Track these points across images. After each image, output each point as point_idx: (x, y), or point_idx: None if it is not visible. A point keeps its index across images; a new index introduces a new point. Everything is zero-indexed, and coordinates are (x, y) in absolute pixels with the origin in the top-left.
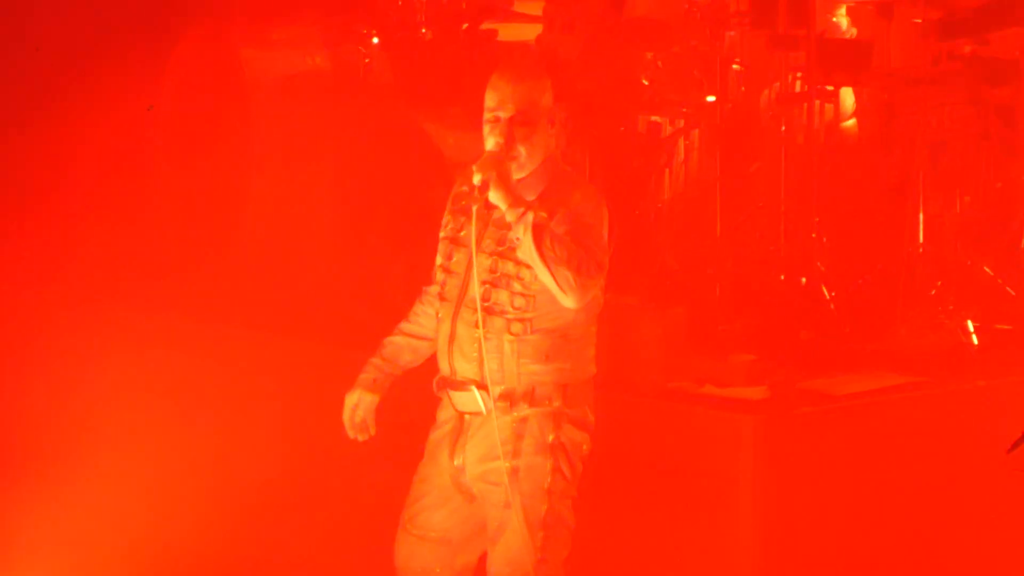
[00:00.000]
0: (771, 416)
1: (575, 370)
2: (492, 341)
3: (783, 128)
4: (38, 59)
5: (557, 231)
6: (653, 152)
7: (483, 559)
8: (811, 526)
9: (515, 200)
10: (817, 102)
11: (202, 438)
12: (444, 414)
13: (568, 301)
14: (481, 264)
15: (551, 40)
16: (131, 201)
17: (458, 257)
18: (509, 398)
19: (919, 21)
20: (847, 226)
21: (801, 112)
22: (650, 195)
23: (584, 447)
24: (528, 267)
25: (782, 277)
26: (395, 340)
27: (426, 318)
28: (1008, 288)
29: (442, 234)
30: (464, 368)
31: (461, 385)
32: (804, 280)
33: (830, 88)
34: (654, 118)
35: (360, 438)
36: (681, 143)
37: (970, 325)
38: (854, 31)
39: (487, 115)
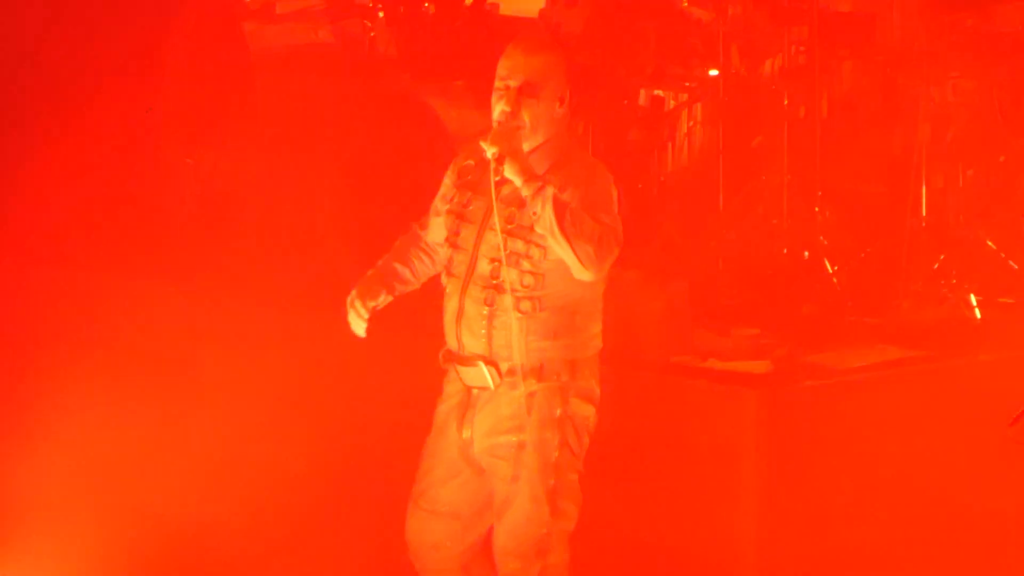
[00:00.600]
0: (774, 390)
1: (583, 346)
2: (500, 318)
3: (786, 102)
4: (38, 54)
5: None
6: (655, 126)
7: (490, 532)
8: (813, 499)
9: (531, 175)
10: (819, 76)
11: (208, 419)
12: (451, 387)
13: (586, 275)
14: (489, 241)
15: (554, 13)
16: (136, 181)
17: (465, 233)
18: (517, 374)
19: None
20: (849, 200)
21: (803, 86)
22: (653, 169)
23: (591, 421)
24: (538, 245)
25: (785, 251)
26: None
27: (421, 265)
28: (1011, 262)
29: (445, 207)
30: (472, 344)
31: (469, 360)
32: (807, 254)
33: (832, 61)
34: (656, 92)
35: (360, 323)
36: (684, 116)
37: (973, 299)
38: (857, 4)
39: (497, 83)
